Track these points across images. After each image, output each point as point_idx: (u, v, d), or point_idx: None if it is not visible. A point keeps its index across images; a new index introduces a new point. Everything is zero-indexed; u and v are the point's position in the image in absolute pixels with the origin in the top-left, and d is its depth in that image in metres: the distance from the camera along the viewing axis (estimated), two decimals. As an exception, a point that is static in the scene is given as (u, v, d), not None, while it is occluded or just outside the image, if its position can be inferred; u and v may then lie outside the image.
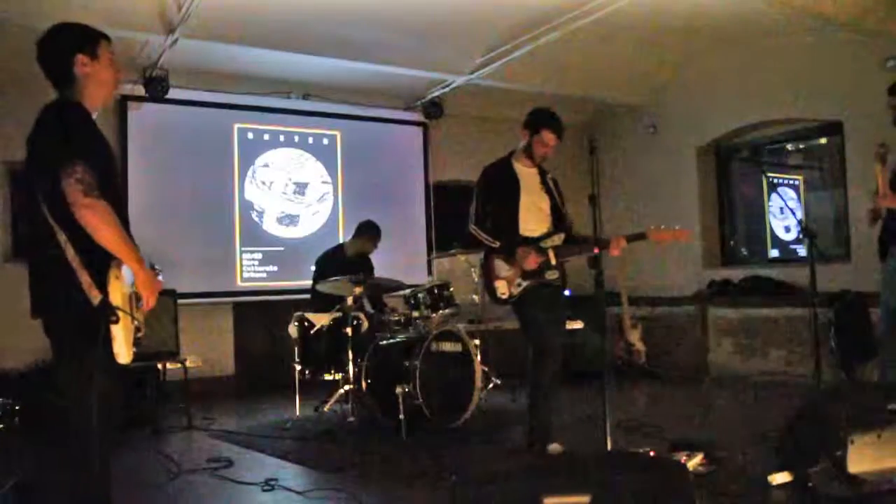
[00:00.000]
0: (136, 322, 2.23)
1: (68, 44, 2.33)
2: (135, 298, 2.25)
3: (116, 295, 2.10)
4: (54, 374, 2.25)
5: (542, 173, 4.17)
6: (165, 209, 6.52)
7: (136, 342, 2.23)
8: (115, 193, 2.23)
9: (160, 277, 2.52)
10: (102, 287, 2.09)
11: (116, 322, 2.08)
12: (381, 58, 6.43)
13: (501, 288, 3.96)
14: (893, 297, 4.14)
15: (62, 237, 2.11)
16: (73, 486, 2.18)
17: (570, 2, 5.56)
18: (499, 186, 4.06)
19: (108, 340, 2.09)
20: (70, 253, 2.10)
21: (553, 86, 7.33)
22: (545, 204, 4.10)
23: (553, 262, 3.94)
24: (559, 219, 4.11)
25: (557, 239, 4.02)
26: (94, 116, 2.34)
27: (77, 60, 2.31)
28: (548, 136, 4.03)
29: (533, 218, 4.04)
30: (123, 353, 2.13)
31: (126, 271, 2.18)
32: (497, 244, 3.95)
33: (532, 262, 3.87)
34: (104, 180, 2.16)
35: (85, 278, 2.09)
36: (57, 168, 2.09)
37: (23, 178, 2.29)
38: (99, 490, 2.25)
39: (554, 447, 3.87)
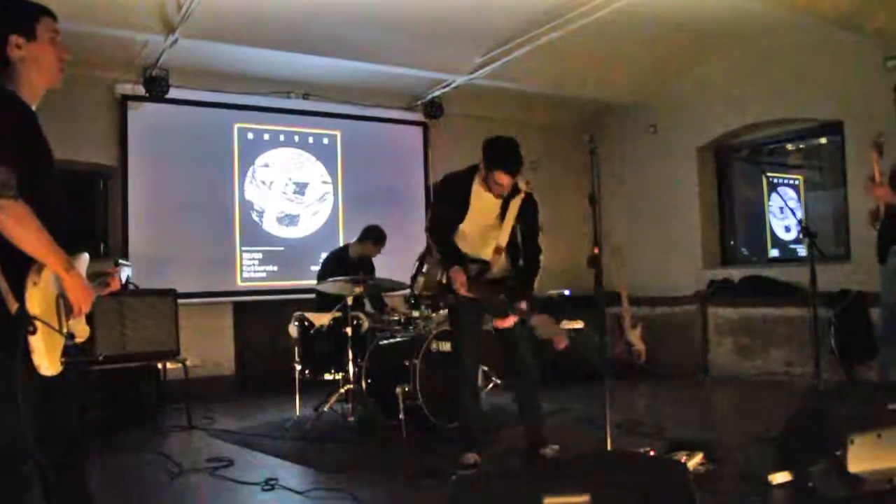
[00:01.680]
0: (65, 329, 2.04)
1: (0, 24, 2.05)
2: (63, 303, 2.05)
3: (35, 303, 1.91)
4: None
5: (507, 199, 3.87)
6: (165, 209, 6.51)
7: (69, 350, 2.04)
8: (44, 193, 2.01)
9: (127, 271, 2.34)
10: (20, 294, 1.90)
11: (33, 333, 1.90)
12: (381, 58, 6.43)
13: (419, 286, 4.10)
14: (893, 297, 4.14)
15: None
16: None
17: (570, 2, 5.56)
18: (449, 199, 3.91)
19: (27, 352, 1.91)
20: None
21: (553, 86, 7.34)
22: (496, 231, 3.88)
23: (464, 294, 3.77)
24: (513, 251, 3.93)
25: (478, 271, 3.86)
26: (35, 105, 2.10)
27: (10, 42, 2.03)
28: (500, 177, 3.75)
29: (474, 241, 3.89)
30: (45, 364, 1.93)
31: (52, 275, 2.00)
32: (442, 259, 3.81)
33: (459, 286, 3.70)
34: (31, 178, 1.94)
35: (3, 284, 1.90)
36: None
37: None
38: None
39: (549, 449, 3.90)
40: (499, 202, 3.88)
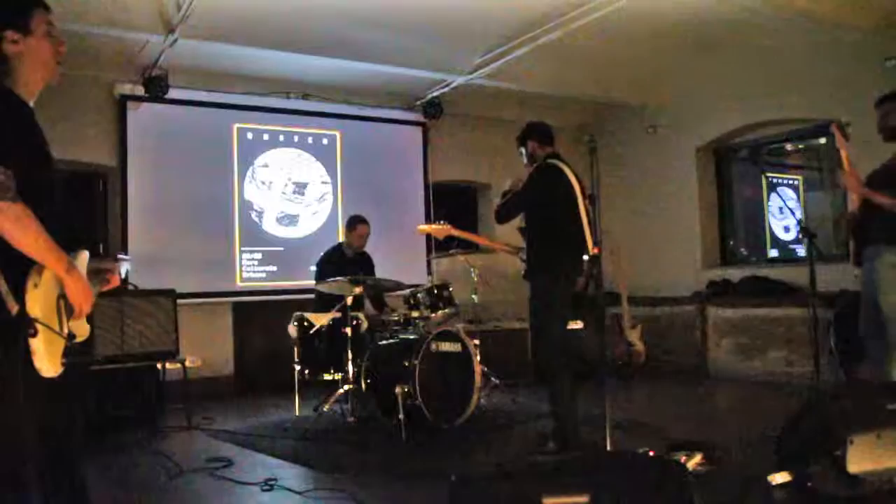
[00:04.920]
0: (66, 331, 2.01)
1: None
2: (63, 304, 2.02)
3: (35, 305, 1.88)
4: None
5: None
6: (165, 209, 6.51)
7: (69, 351, 2.01)
8: (42, 192, 1.97)
9: (126, 265, 2.35)
10: (20, 296, 1.86)
11: (34, 336, 1.86)
12: (381, 58, 6.43)
13: None
14: (881, 295, 4.06)
15: None
16: None
17: (570, 2, 5.56)
18: None
19: (28, 354, 1.87)
20: None
21: (553, 86, 7.33)
22: None
23: None
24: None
25: None
26: (33, 101, 2.06)
27: (5, 37, 1.99)
28: None
29: None
30: (46, 367, 1.89)
31: (54, 276, 1.96)
32: None
33: None
34: (29, 177, 1.89)
35: (2, 286, 1.85)
36: None
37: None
38: None
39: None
40: None
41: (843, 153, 4.08)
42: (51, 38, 2.07)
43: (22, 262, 1.89)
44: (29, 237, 1.87)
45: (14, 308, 1.86)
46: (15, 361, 1.86)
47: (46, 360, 1.90)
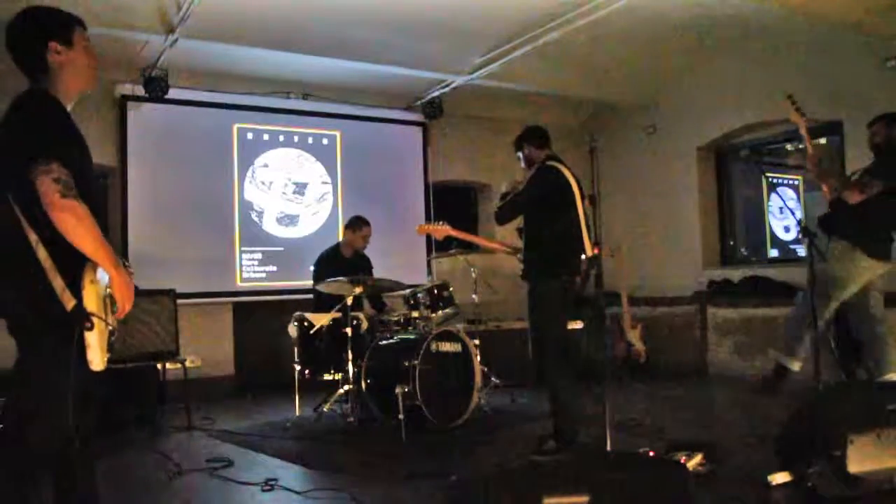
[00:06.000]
0: (110, 327, 2.12)
1: (40, 30, 2.17)
2: (109, 301, 2.13)
3: (91, 300, 2.00)
4: (18, 378, 2.10)
5: None
6: (165, 209, 6.52)
7: (110, 347, 2.12)
8: (90, 193, 2.08)
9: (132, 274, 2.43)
10: (76, 292, 1.98)
11: (91, 329, 1.97)
12: (381, 58, 6.43)
13: None
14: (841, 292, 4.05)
15: (33, 237, 1.98)
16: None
17: (570, 2, 5.56)
18: None
19: (81, 347, 1.98)
20: (42, 254, 1.97)
21: (553, 86, 7.34)
22: None
23: None
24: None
25: None
26: (70, 107, 2.20)
27: (50, 48, 2.15)
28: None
29: None
30: (98, 360, 2.02)
31: (101, 273, 2.07)
32: None
33: None
34: (80, 179, 2.03)
35: (58, 282, 1.97)
36: (31, 165, 1.94)
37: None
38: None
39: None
40: None
41: (801, 128, 4.03)
42: (88, 53, 2.25)
43: (75, 259, 2.00)
44: (89, 235, 2.00)
45: (70, 303, 1.97)
46: (68, 356, 1.96)
47: (99, 353, 2.03)
